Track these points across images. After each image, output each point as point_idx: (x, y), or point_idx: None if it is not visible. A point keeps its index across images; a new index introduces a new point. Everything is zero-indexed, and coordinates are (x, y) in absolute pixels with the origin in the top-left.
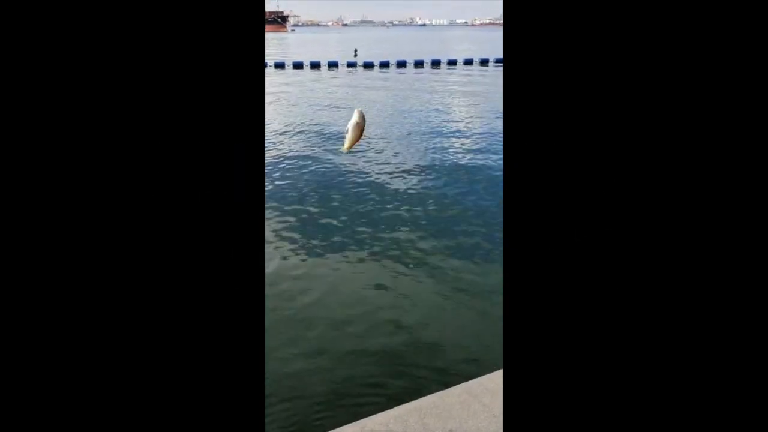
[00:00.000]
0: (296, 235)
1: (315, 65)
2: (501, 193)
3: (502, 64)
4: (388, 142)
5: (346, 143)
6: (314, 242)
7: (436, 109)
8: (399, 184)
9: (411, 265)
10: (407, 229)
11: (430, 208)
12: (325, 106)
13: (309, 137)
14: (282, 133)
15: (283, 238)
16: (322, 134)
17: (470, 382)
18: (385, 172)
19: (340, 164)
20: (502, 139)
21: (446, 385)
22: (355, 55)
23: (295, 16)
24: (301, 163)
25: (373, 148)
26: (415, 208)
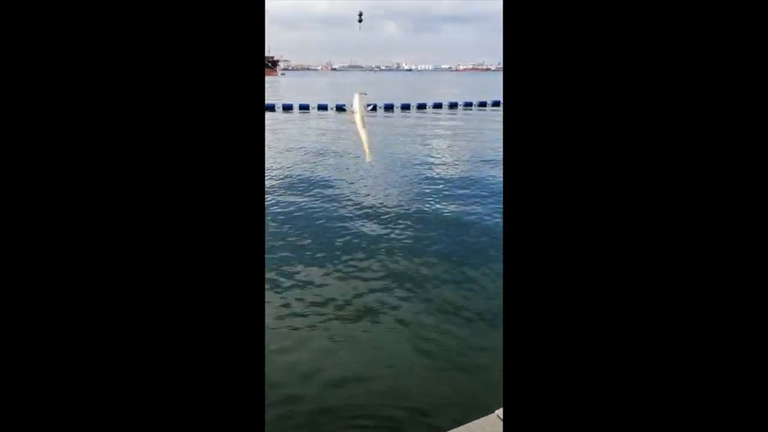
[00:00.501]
0: (281, 279)
1: (304, 107)
2: (491, 238)
3: (483, 107)
4: (377, 185)
5: (367, 151)
6: (301, 288)
7: (425, 153)
8: (386, 230)
9: (403, 307)
10: (395, 274)
11: (417, 254)
12: (314, 151)
13: (294, 183)
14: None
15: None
16: (307, 180)
17: (459, 428)
18: (372, 217)
19: (326, 209)
20: (490, 184)
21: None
22: (360, 20)
23: (285, 60)
24: (286, 208)
25: (360, 193)
26: (400, 255)
